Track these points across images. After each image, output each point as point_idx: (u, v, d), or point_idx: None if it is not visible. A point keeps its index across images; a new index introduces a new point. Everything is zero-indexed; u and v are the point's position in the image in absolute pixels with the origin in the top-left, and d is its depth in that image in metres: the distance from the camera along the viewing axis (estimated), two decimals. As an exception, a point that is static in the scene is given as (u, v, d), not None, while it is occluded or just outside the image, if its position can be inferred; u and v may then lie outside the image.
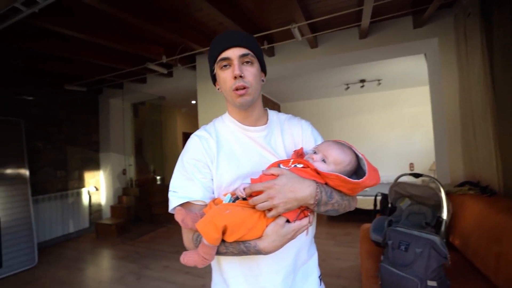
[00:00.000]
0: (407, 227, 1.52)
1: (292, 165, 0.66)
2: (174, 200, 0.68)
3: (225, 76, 0.69)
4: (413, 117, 5.26)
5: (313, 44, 2.81)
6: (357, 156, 0.68)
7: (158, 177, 5.31)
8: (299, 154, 0.72)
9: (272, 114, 0.82)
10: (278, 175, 0.60)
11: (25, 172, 3.38)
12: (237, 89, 0.68)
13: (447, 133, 2.41)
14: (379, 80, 4.54)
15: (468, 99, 2.15)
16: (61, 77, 3.67)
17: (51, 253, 3.55)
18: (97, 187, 4.62)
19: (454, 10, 2.25)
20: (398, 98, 5.37)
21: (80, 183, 4.40)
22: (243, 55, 0.68)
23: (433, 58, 2.64)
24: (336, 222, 4.13)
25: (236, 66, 0.67)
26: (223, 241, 0.60)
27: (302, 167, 0.65)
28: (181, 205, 0.68)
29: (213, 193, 0.71)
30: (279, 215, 0.60)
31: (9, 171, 3.24)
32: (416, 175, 2.10)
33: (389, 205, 2.19)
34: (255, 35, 2.53)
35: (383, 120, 5.47)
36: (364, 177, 0.62)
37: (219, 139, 0.74)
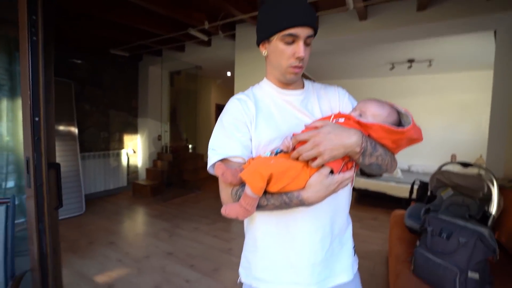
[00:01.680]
0: (449, 216, 1.44)
1: (333, 120, 0.65)
2: (213, 156, 0.69)
3: (286, 51, 0.68)
4: (463, 105, 4.78)
5: (363, 15, 2.58)
6: (398, 113, 0.67)
7: (190, 146, 5.53)
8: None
9: (307, 82, 0.83)
10: (322, 126, 0.60)
11: (75, 130, 3.70)
12: (294, 67, 0.69)
13: (508, 124, 2.16)
14: (430, 60, 4.12)
15: (542, 86, 1.88)
16: (105, 41, 3.82)
17: (95, 204, 3.96)
18: (134, 150, 4.95)
19: (543, -22, 1.90)
20: (448, 83, 4.87)
21: (120, 145, 4.74)
22: (309, 37, 0.67)
23: (504, 37, 2.30)
24: (364, 205, 4.06)
25: (301, 48, 0.66)
26: (264, 193, 0.61)
27: (344, 121, 0.64)
28: (220, 161, 0.69)
29: (251, 152, 0.71)
30: (323, 165, 0.59)
31: (62, 127, 3.57)
32: (465, 165, 1.95)
33: (428, 194, 2.08)
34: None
35: (428, 106, 5.05)
36: (409, 126, 0.59)
37: (257, 102, 0.75)
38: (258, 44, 0.76)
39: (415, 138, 0.61)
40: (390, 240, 2.11)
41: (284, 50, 0.67)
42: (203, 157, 5.72)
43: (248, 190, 0.59)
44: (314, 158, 0.58)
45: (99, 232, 2.98)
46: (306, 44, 0.68)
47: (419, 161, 4.96)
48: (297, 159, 0.60)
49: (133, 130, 4.95)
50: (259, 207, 0.63)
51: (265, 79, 0.80)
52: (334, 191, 0.60)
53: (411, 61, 4.22)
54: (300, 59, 0.68)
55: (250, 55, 3.29)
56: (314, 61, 4.45)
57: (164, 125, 5.07)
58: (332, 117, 0.68)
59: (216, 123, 0.75)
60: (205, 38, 3.20)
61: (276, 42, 0.68)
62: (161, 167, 4.84)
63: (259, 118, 0.72)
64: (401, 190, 3.71)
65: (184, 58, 4.18)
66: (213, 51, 3.80)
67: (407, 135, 0.60)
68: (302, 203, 0.60)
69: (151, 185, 4.49)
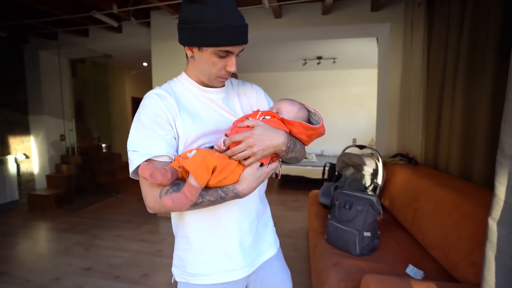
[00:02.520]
0: (351, 190, 1.76)
1: (261, 117, 0.70)
2: (137, 158, 0.64)
3: (218, 63, 0.68)
4: (359, 97, 5.78)
5: (278, 14, 2.78)
6: (308, 112, 0.78)
7: (104, 145, 4.87)
8: (240, 118, 0.77)
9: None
10: (253, 126, 0.65)
11: None
12: (223, 77, 0.72)
13: (388, 112, 2.74)
14: (334, 58, 4.79)
15: (407, 83, 2.46)
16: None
17: (-28, 228, 3.09)
18: (27, 155, 4.03)
19: (406, -1, 2.46)
20: (349, 78, 5.78)
21: (4, 150, 3.77)
22: (240, 51, 0.70)
23: (383, 42, 2.89)
24: (286, 189, 4.48)
25: (234, 63, 0.69)
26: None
27: (270, 118, 0.70)
28: (145, 162, 0.64)
29: (177, 151, 0.70)
30: None
31: None
32: (360, 147, 2.39)
33: (336, 173, 2.47)
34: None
35: (333, 98, 5.89)
36: (321, 124, 0.73)
37: (178, 98, 0.72)
38: (182, 44, 0.71)
39: (322, 132, 0.74)
40: (308, 217, 2.42)
41: (217, 62, 0.68)
42: (120, 157, 5.12)
43: (192, 180, 0.58)
44: (247, 158, 0.63)
45: (-19, 263, 2.35)
46: (236, 56, 0.70)
47: (329, 146, 5.76)
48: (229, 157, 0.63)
49: (23, 130, 4.01)
50: (194, 204, 0.63)
51: (185, 75, 0.77)
52: (263, 180, 0.67)
53: (319, 58, 4.81)
54: (231, 72, 0.70)
55: (169, 45, 3.10)
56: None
57: (68, 123, 4.29)
58: (259, 114, 0.72)
59: (134, 121, 0.69)
60: (115, 24, 2.83)
61: (209, 54, 0.67)
62: (68, 172, 4.12)
63: (183, 114, 0.70)
64: (316, 172, 4.26)
65: (88, 44, 3.59)
66: (125, 39, 3.40)
67: (318, 131, 0.72)
68: (237, 196, 0.64)
69: (55, 194, 3.78)
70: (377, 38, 3.17)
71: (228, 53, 0.67)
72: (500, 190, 0.69)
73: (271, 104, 0.87)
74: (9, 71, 3.81)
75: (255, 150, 0.62)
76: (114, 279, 2.07)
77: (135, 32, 3.31)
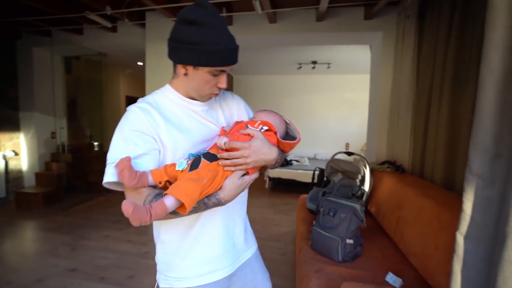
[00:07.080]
0: (337, 197, 1.78)
1: (259, 127, 0.74)
2: (114, 171, 0.64)
3: (211, 81, 0.72)
4: (352, 102, 5.83)
5: (272, 19, 2.80)
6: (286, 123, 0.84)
7: (96, 143, 4.84)
8: (239, 124, 0.80)
9: None
10: (253, 137, 0.69)
11: None
12: (214, 94, 0.76)
13: (378, 119, 2.78)
14: (329, 63, 4.83)
15: (397, 91, 2.50)
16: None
17: (-44, 225, 3.04)
18: (16, 151, 3.98)
19: (398, 9, 2.50)
20: (342, 83, 5.84)
21: (-7, 146, 3.73)
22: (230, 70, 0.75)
23: (376, 50, 2.93)
24: (277, 192, 4.49)
25: (225, 80, 0.73)
26: None
27: (267, 130, 0.74)
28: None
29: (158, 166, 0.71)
30: None
31: None
32: (349, 153, 2.42)
33: (325, 179, 2.49)
34: (215, 1, 2.39)
35: (327, 102, 5.93)
36: (298, 138, 0.80)
37: (162, 110, 0.73)
38: (177, 62, 0.72)
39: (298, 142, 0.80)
40: (297, 222, 2.44)
41: (210, 80, 0.71)
42: (113, 156, 5.08)
43: (170, 203, 0.58)
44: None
45: (-37, 261, 2.31)
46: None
47: (322, 149, 5.80)
48: (217, 162, 0.66)
49: (13, 126, 3.96)
50: (177, 214, 0.63)
51: (170, 88, 0.77)
52: (244, 189, 0.70)
53: (314, 62, 4.84)
54: (222, 88, 0.74)
55: (163, 47, 3.07)
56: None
57: (59, 121, 4.25)
58: (259, 122, 0.75)
59: (115, 135, 0.69)
60: (108, 25, 2.82)
61: (205, 73, 0.70)
62: (58, 170, 4.08)
63: (169, 127, 0.71)
64: (308, 176, 4.27)
65: (82, 42, 3.57)
66: (120, 38, 3.39)
67: (297, 143, 0.80)
68: (219, 202, 0.66)
69: (44, 192, 3.74)
70: (370, 45, 3.21)
71: (222, 72, 0.71)
72: (467, 206, 0.71)
73: (251, 114, 0.89)
74: (0, 67, 3.77)
75: (248, 161, 0.66)
76: (99, 280, 2.06)
77: (130, 32, 3.30)
